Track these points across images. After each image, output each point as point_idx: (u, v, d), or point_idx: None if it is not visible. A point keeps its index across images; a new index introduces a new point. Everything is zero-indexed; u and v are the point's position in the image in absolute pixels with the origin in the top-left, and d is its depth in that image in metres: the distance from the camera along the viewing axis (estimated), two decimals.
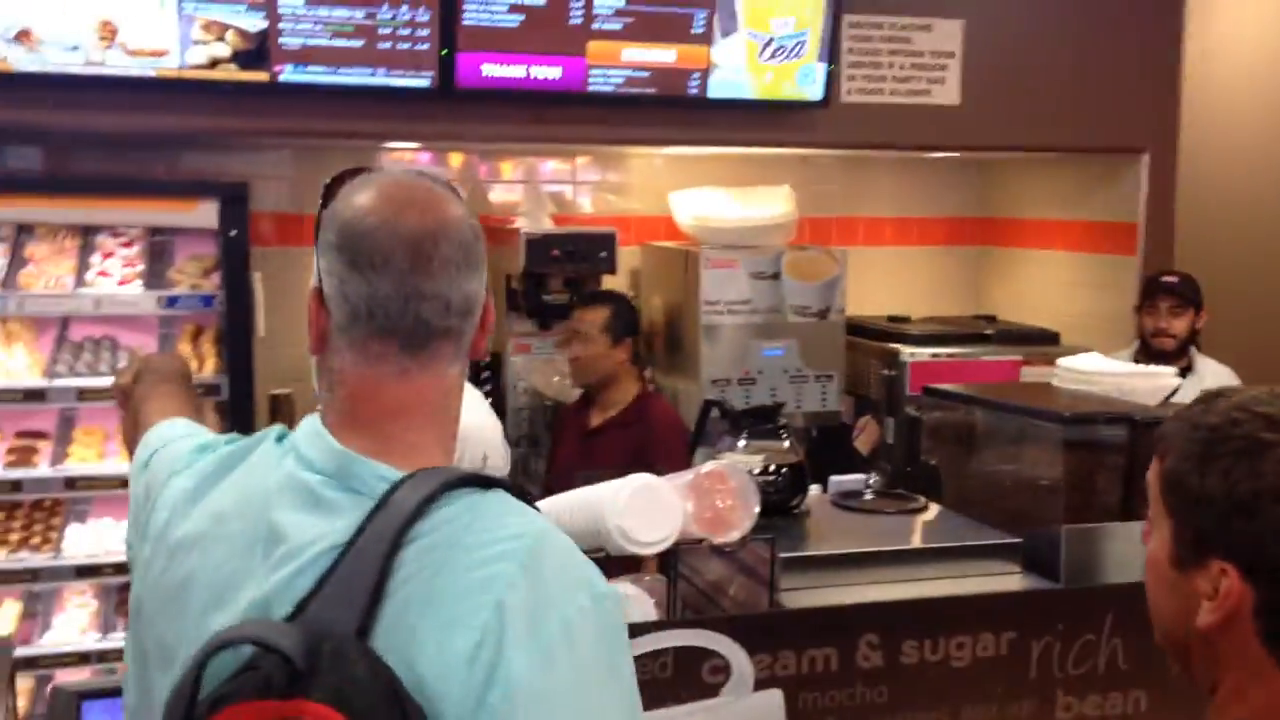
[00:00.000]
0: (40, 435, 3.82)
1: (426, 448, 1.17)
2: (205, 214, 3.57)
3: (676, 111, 3.78)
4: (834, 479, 2.53)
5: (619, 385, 3.65)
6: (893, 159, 4.73)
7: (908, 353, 4.35)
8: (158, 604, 1.20)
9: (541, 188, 4.33)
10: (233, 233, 3.59)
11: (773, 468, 2.21)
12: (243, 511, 1.16)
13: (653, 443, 3.46)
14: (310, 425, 1.19)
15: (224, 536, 1.16)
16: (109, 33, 3.22)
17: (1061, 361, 2.62)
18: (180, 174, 4.06)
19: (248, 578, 1.11)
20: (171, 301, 3.67)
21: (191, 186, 3.63)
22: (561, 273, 4.19)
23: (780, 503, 2.18)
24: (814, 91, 3.89)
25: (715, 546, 1.83)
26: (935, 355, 4.36)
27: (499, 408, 4.09)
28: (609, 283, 4.33)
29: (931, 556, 2.07)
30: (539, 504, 2.37)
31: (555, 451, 3.85)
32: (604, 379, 3.63)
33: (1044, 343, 4.45)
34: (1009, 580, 2.02)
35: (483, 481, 1.14)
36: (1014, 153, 4.45)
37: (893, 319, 4.70)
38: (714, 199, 4.38)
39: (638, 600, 1.73)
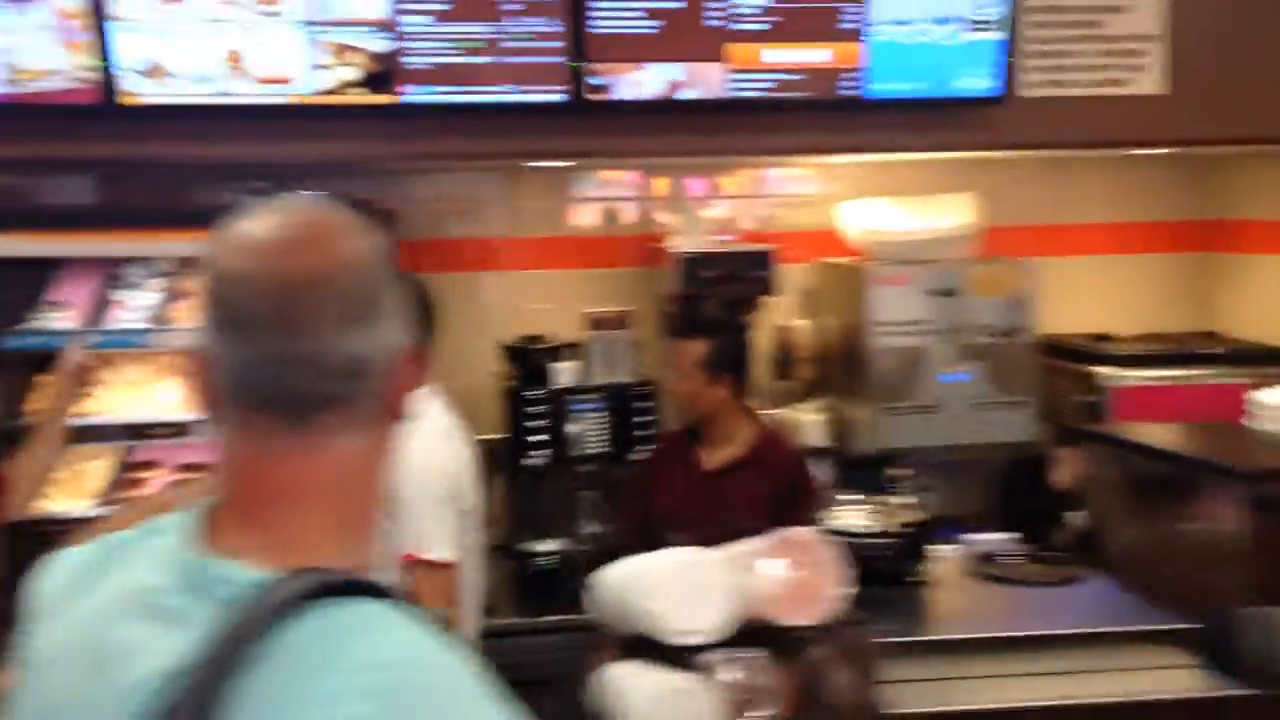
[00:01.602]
0: (199, 469, 3.83)
1: (315, 541, 0.96)
2: None
3: (829, 116, 3.45)
4: (967, 537, 2.14)
5: (726, 421, 3.21)
6: (1094, 159, 4.22)
7: (1110, 375, 3.85)
8: None
9: (694, 204, 4.05)
10: None
11: (884, 528, 1.86)
12: (90, 624, 0.96)
13: (785, 487, 3.11)
14: (193, 514, 1.00)
15: (71, 656, 0.96)
16: (237, 61, 3.18)
17: (1260, 396, 2.14)
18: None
19: (92, 711, 0.92)
20: None
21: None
22: (717, 294, 3.91)
23: (893, 571, 1.83)
24: (988, 87, 3.47)
25: (793, 629, 1.51)
26: (1143, 378, 3.84)
27: (646, 436, 3.84)
28: (769, 304, 4.04)
29: (1079, 643, 1.68)
30: (601, 573, 2.08)
31: (659, 492, 3.37)
32: (705, 416, 3.21)
33: (1276, 363, 3.85)
34: (1178, 677, 1.61)
35: (365, 587, 0.89)
36: (1233, 146, 3.86)
37: (1095, 337, 4.18)
38: (885, 210, 4.02)
39: (692, 700, 1.42)
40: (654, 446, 3.54)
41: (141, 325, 3.60)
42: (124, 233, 3.56)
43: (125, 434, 3.65)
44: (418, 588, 2.64)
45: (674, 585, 1.38)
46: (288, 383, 0.94)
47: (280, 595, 0.86)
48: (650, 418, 3.92)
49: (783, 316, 4.20)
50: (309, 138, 3.34)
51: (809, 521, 3.17)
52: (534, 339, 4.02)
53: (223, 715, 0.81)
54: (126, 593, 0.95)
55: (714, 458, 3.22)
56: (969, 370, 3.89)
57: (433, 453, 2.62)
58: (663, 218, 4.21)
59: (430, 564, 2.60)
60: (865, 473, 1.89)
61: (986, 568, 2.00)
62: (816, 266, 4.27)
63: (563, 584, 3.84)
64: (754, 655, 1.49)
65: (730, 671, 1.48)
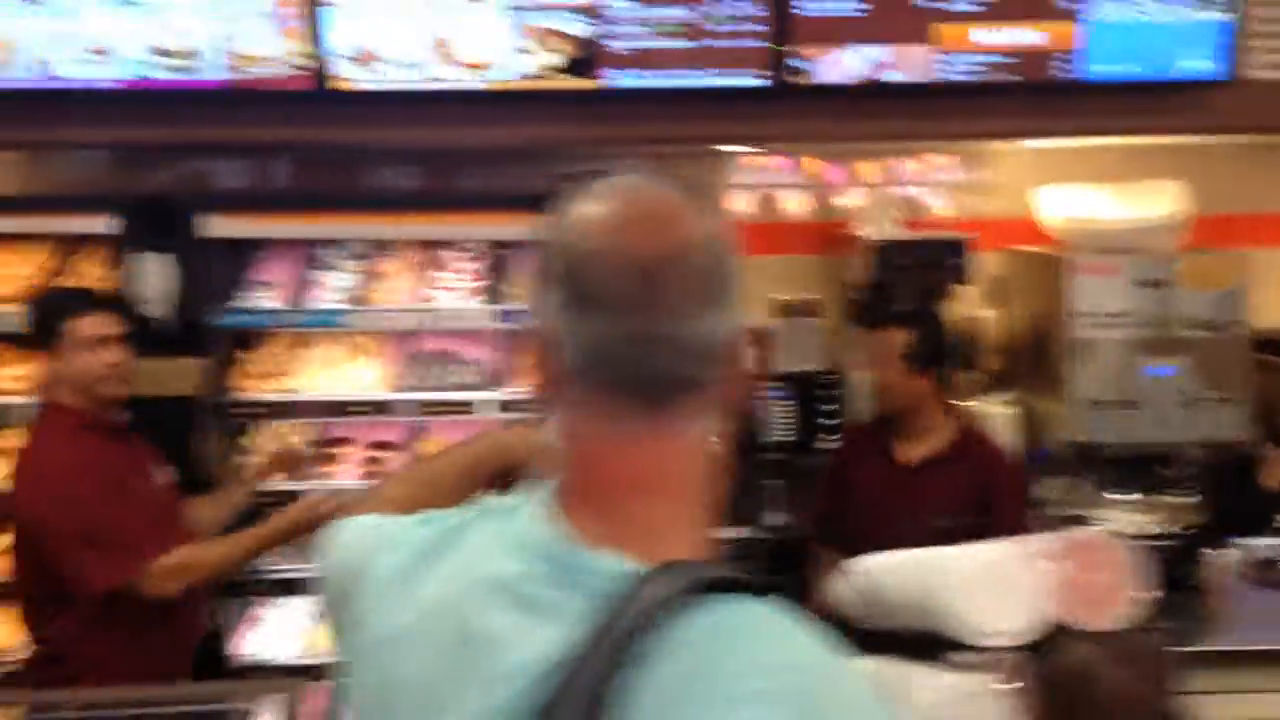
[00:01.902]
0: (390, 447, 3.93)
1: (671, 532, 0.94)
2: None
3: (1042, 99, 3.33)
4: (1239, 541, 2.03)
5: (925, 414, 3.10)
6: None
7: None
8: (365, 706, 1.02)
9: (886, 190, 3.96)
10: None
11: (1166, 530, 1.77)
12: (450, 608, 0.96)
13: (989, 489, 3.00)
14: (538, 497, 0.98)
15: (428, 638, 0.96)
16: (444, 47, 3.22)
17: None
18: (522, 187, 4.05)
19: (453, 696, 0.92)
20: (507, 315, 3.64)
21: (539, 200, 3.57)
22: (909, 283, 3.83)
23: (1178, 576, 1.74)
24: (1212, 68, 3.30)
25: (1083, 633, 1.44)
26: None
27: (833, 425, 3.79)
28: (959, 293, 3.93)
29: None
30: (864, 562, 2.02)
31: (852, 485, 3.24)
32: (905, 408, 3.11)
33: None
34: None
35: (744, 584, 0.88)
36: None
37: None
38: (1089, 197, 3.87)
39: (980, 704, 1.38)
40: (845, 437, 3.47)
41: (340, 305, 3.70)
42: (328, 215, 3.66)
43: (321, 410, 3.75)
44: None
45: (980, 583, 1.33)
46: (648, 364, 0.91)
47: (662, 591, 0.85)
48: (836, 407, 3.86)
49: (969, 306, 4.08)
50: (510, 123, 3.37)
51: (1018, 524, 3.07)
52: None
53: (616, 711, 0.81)
54: (487, 579, 0.94)
55: (912, 452, 3.14)
56: (1176, 365, 3.72)
57: None
58: (851, 204, 4.13)
59: None
60: (1124, 470, 1.80)
61: (1266, 573, 1.90)
62: (1007, 255, 4.13)
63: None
64: (1024, 656, 1.43)
65: (1003, 672, 1.43)
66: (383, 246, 3.96)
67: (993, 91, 3.31)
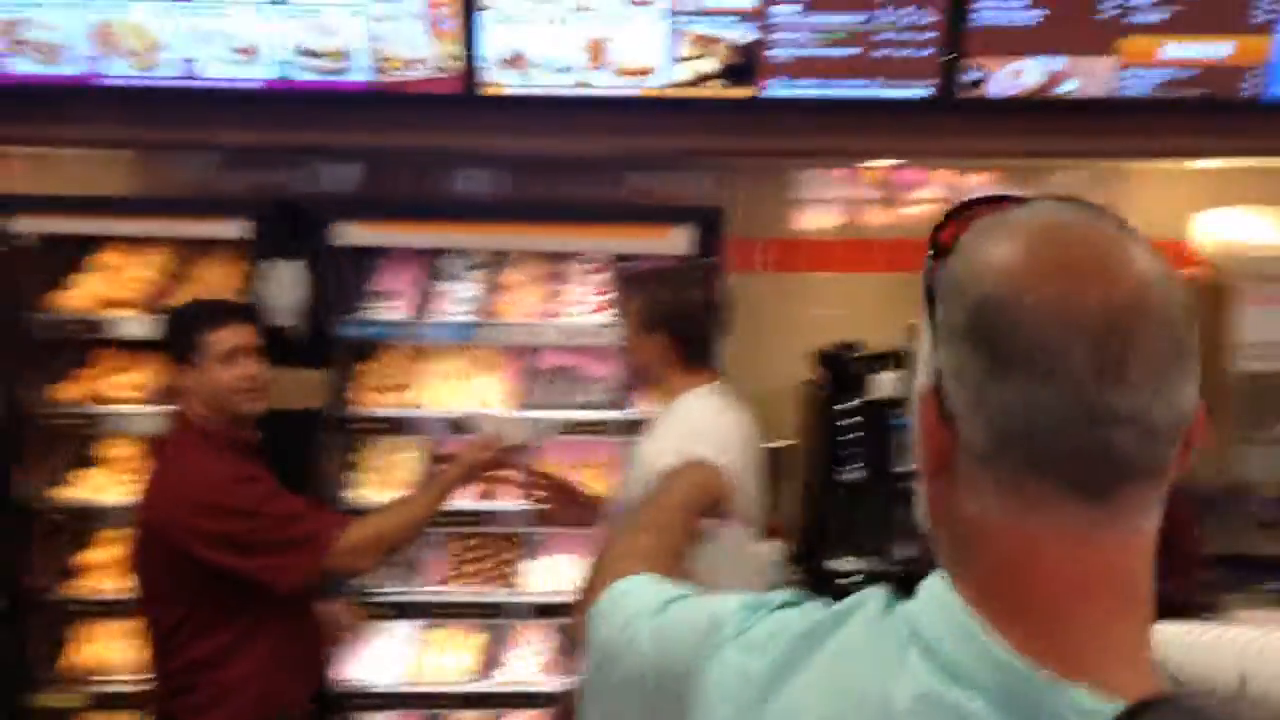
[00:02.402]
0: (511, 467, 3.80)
1: (1130, 654, 0.79)
2: (676, 241, 3.39)
3: (1223, 117, 3.17)
4: None
5: None
6: None
7: None
8: None
9: None
10: (708, 260, 3.38)
11: None
12: None
13: (1164, 537, 2.84)
14: (937, 597, 0.84)
15: None
16: (598, 52, 3.11)
17: None
18: (640, 198, 3.94)
19: None
20: None
21: (665, 212, 3.47)
22: None
23: None
24: None
25: None
26: None
27: None
28: None
29: None
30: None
31: None
32: None
33: None
34: None
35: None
36: None
37: None
38: (1254, 222, 3.71)
39: None
40: None
41: (466, 318, 3.58)
42: (451, 223, 3.54)
43: (442, 427, 3.63)
44: None
45: None
46: (1102, 446, 0.76)
47: None
48: None
49: None
50: (664, 131, 3.25)
51: (1193, 568, 2.92)
52: (850, 345, 3.85)
53: None
54: (909, 701, 0.79)
55: None
56: None
57: (666, 454, 2.36)
58: None
59: None
60: None
61: None
62: None
63: None
64: None
65: None
66: (504, 257, 3.86)
67: (1173, 108, 3.16)
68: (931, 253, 0.89)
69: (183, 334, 2.74)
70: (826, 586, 3.73)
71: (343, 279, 3.59)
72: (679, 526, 1.43)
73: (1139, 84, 3.13)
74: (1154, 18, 3.07)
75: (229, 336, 2.72)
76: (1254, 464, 3.55)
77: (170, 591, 2.67)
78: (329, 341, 3.46)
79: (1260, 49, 3.11)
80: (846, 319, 4.14)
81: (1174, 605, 1.14)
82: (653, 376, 2.67)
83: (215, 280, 3.58)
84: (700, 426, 2.50)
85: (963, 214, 0.90)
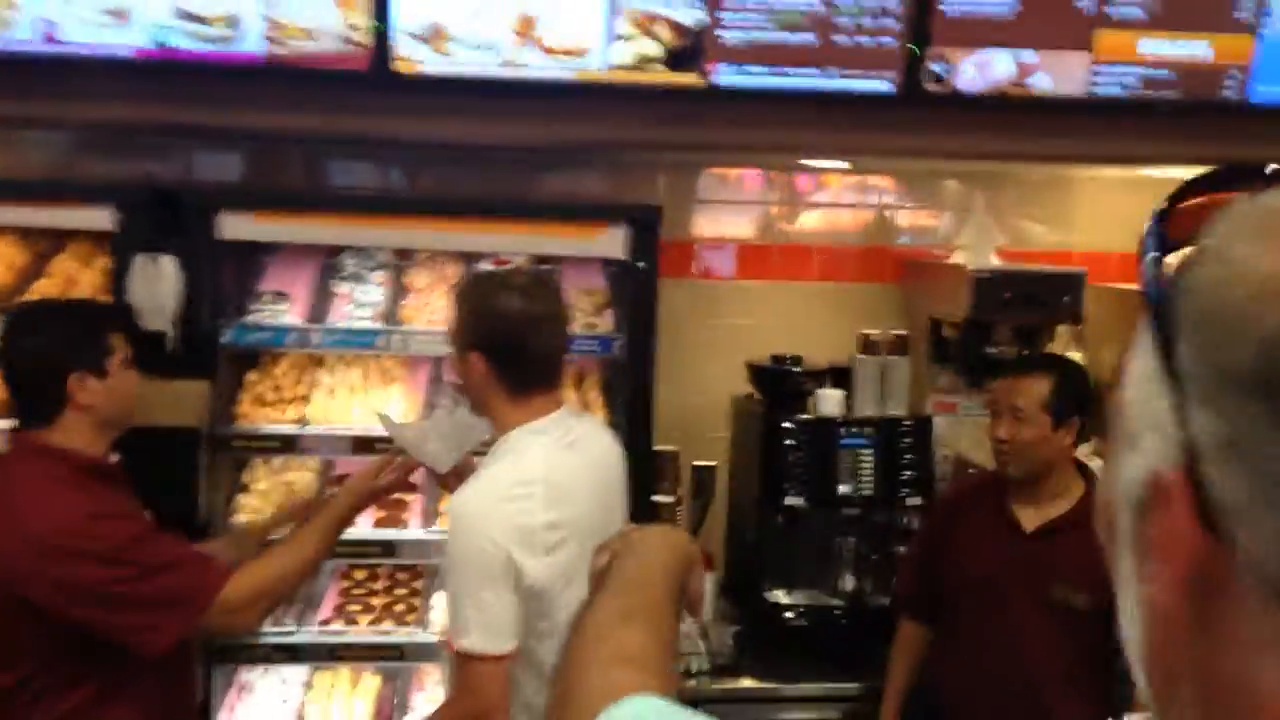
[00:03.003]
0: (412, 489, 3.44)
1: None
2: (610, 242, 3.08)
3: (1199, 120, 2.99)
4: None
5: (1056, 475, 2.77)
6: None
7: None
8: None
9: (985, 215, 3.61)
10: (642, 264, 3.09)
11: None
12: None
13: None
14: None
15: None
16: (527, 29, 2.78)
17: None
18: (568, 194, 3.63)
19: None
20: (571, 342, 3.18)
21: (596, 210, 3.16)
22: (1011, 321, 3.48)
23: None
24: None
25: None
26: None
27: (918, 479, 3.40)
28: (1093, 338, 3.61)
29: None
30: None
31: (959, 551, 2.88)
32: (1040, 469, 2.75)
33: None
34: None
35: None
36: None
37: None
38: None
39: None
40: (949, 496, 3.08)
41: (368, 324, 3.21)
42: (355, 217, 3.17)
43: (341, 446, 3.25)
44: (454, 680, 2.20)
45: None
46: None
47: None
48: (924, 457, 3.48)
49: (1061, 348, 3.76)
50: (599, 120, 2.94)
51: None
52: (786, 359, 3.60)
53: None
54: None
55: (1037, 516, 2.78)
56: None
57: (487, 513, 2.11)
58: (933, 225, 3.79)
59: (460, 655, 2.11)
60: None
61: None
62: (1096, 293, 3.81)
63: (814, 644, 3.43)
64: None
65: None
66: (411, 257, 3.50)
67: (1148, 110, 2.97)
68: (1154, 254, 0.59)
69: (92, 337, 2.31)
70: (765, 620, 3.47)
71: (227, 278, 3.19)
72: (668, 613, 1.11)
73: (1113, 82, 2.93)
74: (1132, 12, 2.87)
75: (125, 341, 2.37)
76: None
77: (9, 648, 2.25)
78: (211, 349, 3.06)
79: (1244, 49, 2.94)
80: (780, 330, 3.90)
81: None
82: (482, 407, 2.31)
83: (74, 278, 3.15)
84: (527, 475, 2.17)
85: (1196, 196, 0.62)
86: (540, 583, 2.12)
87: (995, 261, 3.60)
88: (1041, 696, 2.73)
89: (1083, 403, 2.79)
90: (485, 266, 3.49)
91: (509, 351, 2.19)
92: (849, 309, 3.92)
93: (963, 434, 3.77)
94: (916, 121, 2.95)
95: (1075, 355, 3.78)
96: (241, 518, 3.20)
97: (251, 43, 2.76)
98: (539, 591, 2.13)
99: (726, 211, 3.86)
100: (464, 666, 2.11)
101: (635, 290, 3.13)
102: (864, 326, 3.77)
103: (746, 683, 3.27)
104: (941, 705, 2.92)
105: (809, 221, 3.91)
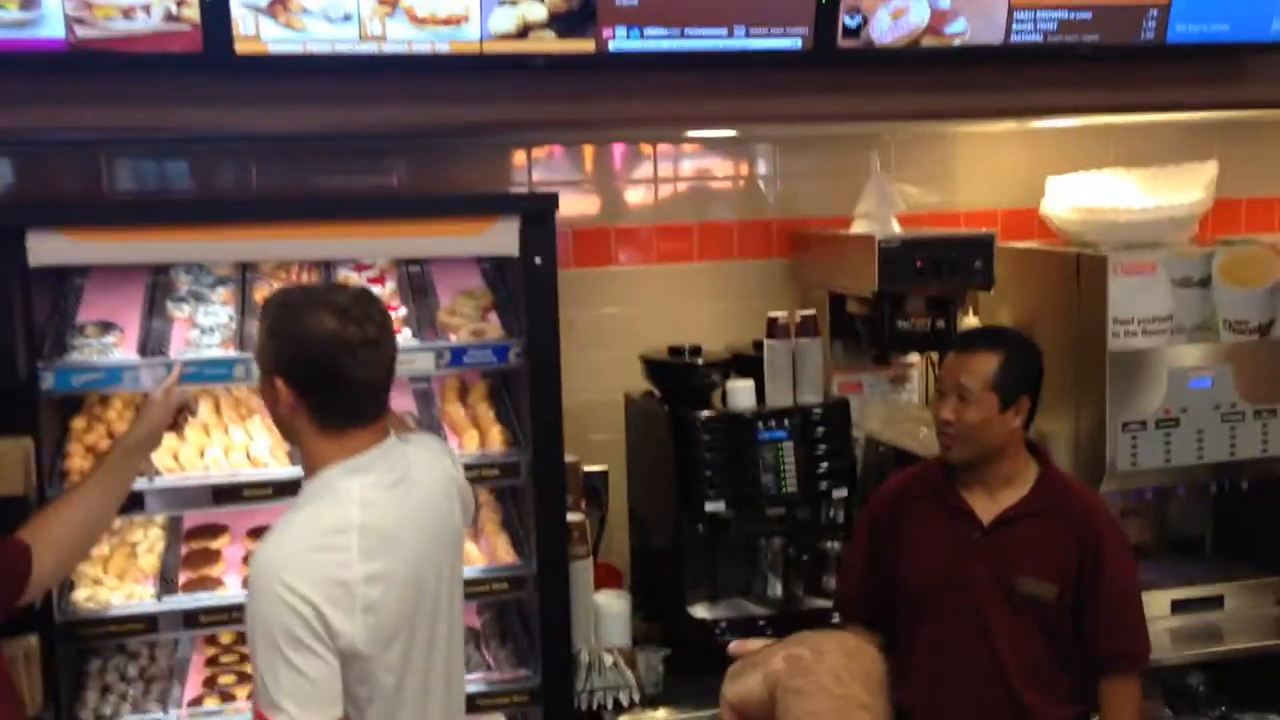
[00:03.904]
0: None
1: None
2: (501, 237, 2.75)
3: (1119, 65, 2.86)
4: None
5: (1007, 459, 2.60)
6: None
7: None
8: None
9: (886, 180, 3.43)
10: (538, 260, 2.77)
11: None
12: None
13: (1091, 548, 2.52)
14: None
15: None
16: None
17: None
18: (429, 186, 3.28)
19: None
20: (457, 356, 2.85)
21: (486, 202, 2.82)
22: (924, 290, 3.32)
23: None
24: None
25: None
26: None
27: (841, 469, 3.21)
28: (986, 302, 3.47)
29: None
30: None
31: (907, 545, 2.67)
32: (987, 453, 2.58)
33: None
34: None
35: None
36: None
37: None
38: (1113, 184, 3.47)
39: None
40: (890, 488, 2.87)
41: (225, 353, 2.78)
42: (185, 229, 2.73)
43: (195, 498, 2.82)
44: None
45: None
46: None
47: None
48: (844, 445, 3.29)
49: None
50: (480, 98, 2.60)
51: (1130, 591, 2.61)
52: (690, 350, 3.34)
53: None
54: None
55: (989, 505, 2.61)
56: (1214, 374, 3.38)
57: (293, 565, 1.87)
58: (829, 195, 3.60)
59: None
60: None
61: None
62: (1004, 253, 3.69)
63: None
64: None
65: None
66: (255, 267, 3.08)
67: (1069, 56, 2.82)
68: None
69: None
70: (692, 638, 3.21)
71: (39, 310, 2.72)
72: None
73: (1032, 28, 2.76)
74: None
75: None
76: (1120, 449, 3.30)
77: None
78: (31, 399, 2.59)
79: None
80: (661, 318, 3.65)
81: None
82: (291, 439, 2.07)
83: None
84: (341, 522, 1.91)
85: None
86: (357, 645, 1.89)
87: (897, 229, 3.42)
88: (1012, 692, 2.56)
89: (1033, 381, 2.63)
90: (346, 273, 3.12)
91: (319, 381, 1.93)
92: (734, 290, 3.71)
93: (872, 414, 3.60)
94: (829, 83, 2.72)
95: (971, 321, 3.66)
96: (81, 593, 2.74)
97: (53, 26, 2.31)
98: (356, 654, 1.90)
99: (593, 191, 3.58)
100: None
101: (531, 289, 2.80)
102: (752, 307, 3.55)
103: (686, 713, 3.02)
104: (904, 709, 2.73)
105: (682, 196, 3.67)
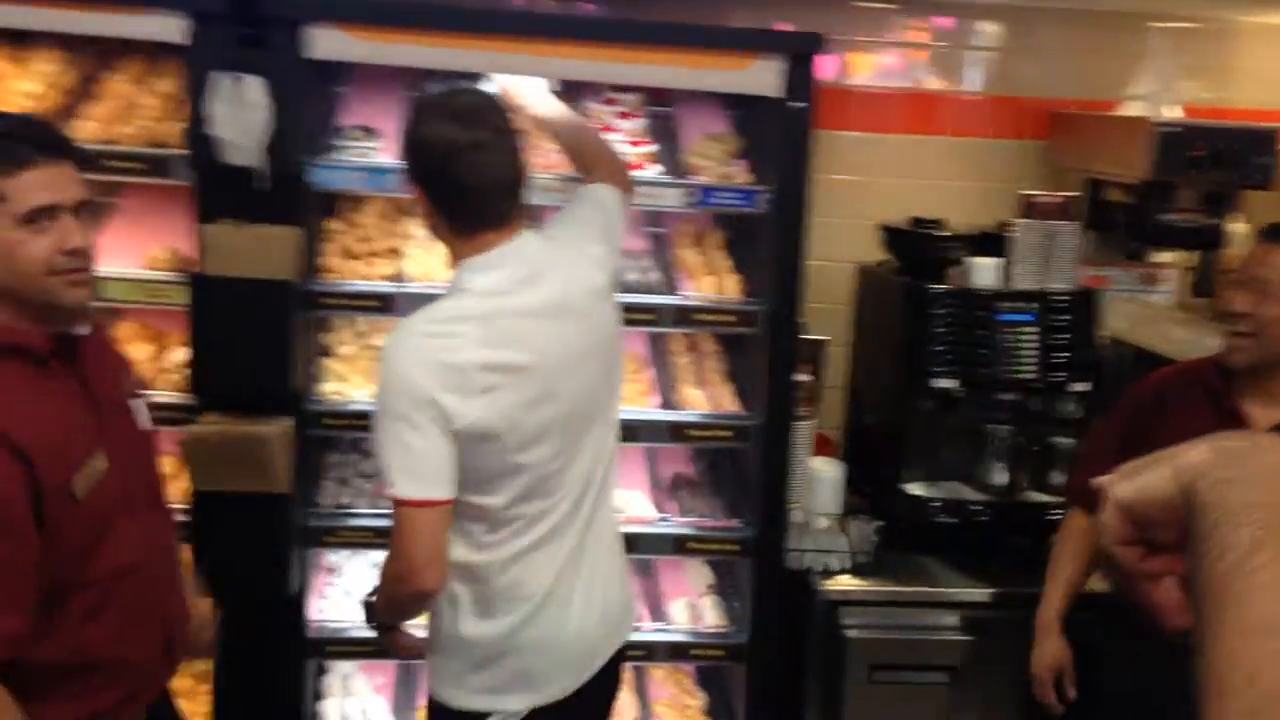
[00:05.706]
0: None
1: None
2: (762, 76, 2.74)
3: None
4: None
5: None
6: None
7: None
8: None
9: (1167, 63, 3.28)
10: (800, 104, 2.75)
11: None
12: None
13: None
14: None
15: None
16: None
17: None
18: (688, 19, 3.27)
19: None
20: (705, 196, 2.87)
21: (748, 37, 2.81)
22: (1195, 184, 3.19)
23: None
24: None
25: None
26: None
27: (1084, 362, 3.13)
28: (1261, 200, 3.32)
29: None
30: None
31: (1169, 445, 2.55)
32: (1276, 357, 2.40)
33: None
34: None
35: None
36: None
37: None
38: None
39: None
40: (1154, 384, 2.75)
41: None
42: (454, 37, 2.79)
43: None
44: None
45: None
46: None
47: None
48: (1088, 338, 3.21)
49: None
50: None
51: None
52: (927, 222, 3.30)
53: None
54: None
55: (1267, 415, 2.49)
56: None
57: (410, 349, 2.00)
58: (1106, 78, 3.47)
59: (395, 505, 2.01)
60: None
61: None
62: None
63: (960, 544, 3.20)
64: None
65: None
66: None
67: None
68: None
69: None
70: (904, 515, 3.23)
71: (313, 107, 2.83)
72: None
73: None
74: None
75: (37, 185, 1.80)
76: None
77: None
78: (299, 191, 2.72)
79: None
80: (905, 190, 3.61)
81: None
82: (440, 242, 2.17)
83: (133, 101, 2.78)
84: (461, 312, 2.02)
85: None
86: (482, 426, 1.99)
87: (1177, 114, 3.29)
88: None
89: None
90: (594, 105, 3.15)
91: (437, 184, 2.05)
92: (977, 168, 3.64)
93: (1119, 312, 3.50)
94: None
95: (1240, 226, 3.51)
96: (327, 386, 2.90)
97: None
98: (485, 434, 2.00)
99: (838, 49, 3.54)
100: (395, 516, 2.01)
101: (788, 134, 2.79)
102: (995, 190, 3.49)
103: (869, 585, 3.07)
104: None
105: (930, 64, 3.59)
